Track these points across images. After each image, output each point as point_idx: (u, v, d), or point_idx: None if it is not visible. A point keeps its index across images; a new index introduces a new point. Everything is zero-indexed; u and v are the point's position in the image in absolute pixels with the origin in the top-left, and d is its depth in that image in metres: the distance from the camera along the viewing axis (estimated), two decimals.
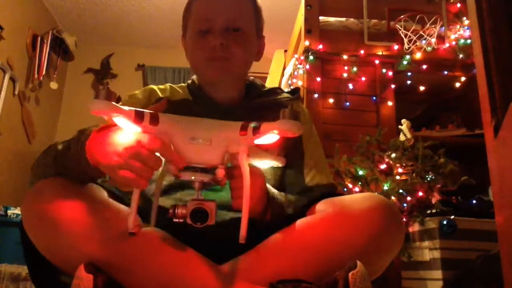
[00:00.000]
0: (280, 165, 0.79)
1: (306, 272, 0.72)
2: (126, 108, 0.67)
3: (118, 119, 0.68)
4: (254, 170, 0.74)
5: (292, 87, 2.85)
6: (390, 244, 0.76)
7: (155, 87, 1.02)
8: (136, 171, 0.67)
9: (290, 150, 0.91)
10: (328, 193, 0.90)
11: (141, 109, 0.70)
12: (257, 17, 0.99)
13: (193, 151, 0.69)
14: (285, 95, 1.04)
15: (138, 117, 0.68)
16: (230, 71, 0.93)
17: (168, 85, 1.04)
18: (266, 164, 0.80)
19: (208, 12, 0.93)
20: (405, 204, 1.94)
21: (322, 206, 0.81)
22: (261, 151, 0.74)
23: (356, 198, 0.79)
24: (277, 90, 1.07)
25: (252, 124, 0.69)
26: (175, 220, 0.70)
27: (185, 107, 0.94)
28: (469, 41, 2.54)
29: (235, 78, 0.96)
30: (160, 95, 1.00)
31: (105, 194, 0.79)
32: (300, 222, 0.78)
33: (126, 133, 0.70)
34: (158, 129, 0.69)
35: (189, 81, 1.05)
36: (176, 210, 0.70)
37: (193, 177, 0.70)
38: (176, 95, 1.01)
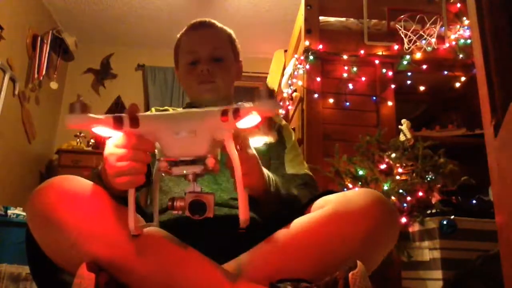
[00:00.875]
0: (272, 140, 0.89)
1: (305, 271, 0.72)
2: (102, 116, 0.68)
3: (98, 129, 0.68)
4: (244, 155, 0.75)
5: (292, 87, 2.86)
6: (386, 238, 0.78)
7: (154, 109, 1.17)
8: (126, 172, 0.68)
9: (274, 144, 1.07)
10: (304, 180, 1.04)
11: (119, 114, 0.70)
12: (233, 46, 1.21)
13: (180, 145, 0.69)
14: None
15: (118, 123, 0.68)
16: (217, 91, 1.12)
17: (165, 108, 1.17)
18: (259, 141, 0.83)
19: (194, 45, 1.14)
20: (405, 204, 1.94)
21: (320, 204, 0.82)
22: (250, 131, 0.74)
23: (353, 194, 0.81)
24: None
25: (231, 109, 0.69)
26: (174, 212, 0.70)
27: None
28: (469, 41, 2.54)
29: (221, 97, 1.13)
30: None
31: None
32: (298, 221, 0.79)
33: (108, 143, 0.71)
34: (141, 131, 0.69)
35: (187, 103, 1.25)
36: (174, 203, 0.69)
37: (184, 171, 0.70)
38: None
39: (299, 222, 0.79)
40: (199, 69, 1.11)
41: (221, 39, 1.18)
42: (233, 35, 1.23)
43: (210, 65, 1.12)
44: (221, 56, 1.15)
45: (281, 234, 0.78)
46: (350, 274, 0.64)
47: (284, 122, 1.21)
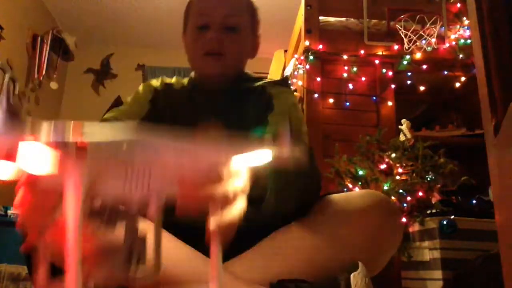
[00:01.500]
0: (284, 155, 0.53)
1: (306, 272, 0.72)
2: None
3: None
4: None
5: (292, 87, 2.86)
6: (389, 240, 0.77)
7: (164, 78, 1.10)
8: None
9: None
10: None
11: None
12: (252, 16, 1.05)
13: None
14: (269, 80, 1.09)
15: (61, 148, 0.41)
16: (224, 66, 0.98)
17: (174, 77, 1.11)
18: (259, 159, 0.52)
19: (206, 8, 0.99)
20: (405, 204, 1.94)
21: (321, 205, 0.82)
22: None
23: (354, 196, 0.80)
24: (262, 78, 1.11)
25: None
26: None
27: (184, 91, 1.05)
28: (469, 41, 2.54)
29: (228, 74, 1.00)
30: (168, 81, 1.08)
31: None
32: (299, 222, 0.78)
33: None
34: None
35: (190, 76, 1.11)
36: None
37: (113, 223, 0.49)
38: (179, 84, 1.08)
39: (300, 223, 0.78)
40: (208, 36, 0.96)
41: (239, 5, 1.02)
42: (254, 3, 1.07)
43: (221, 34, 0.96)
44: (236, 24, 0.98)
45: (282, 235, 0.78)
46: (351, 276, 0.64)
47: (279, 89, 1.01)
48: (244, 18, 1.01)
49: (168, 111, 1.01)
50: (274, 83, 1.06)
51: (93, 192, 0.46)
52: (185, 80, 1.09)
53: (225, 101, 1.00)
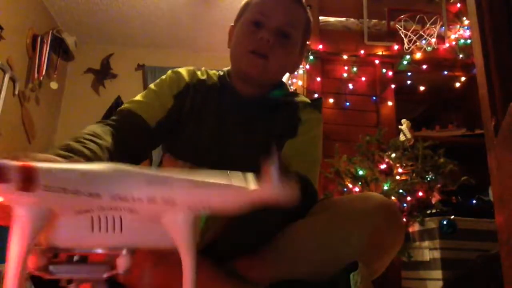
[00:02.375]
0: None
1: (307, 272, 0.72)
2: None
3: None
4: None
5: (292, 87, 2.86)
6: (390, 244, 0.76)
7: (196, 69, 1.03)
8: None
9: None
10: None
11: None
12: (306, 32, 1.02)
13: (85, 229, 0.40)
14: (303, 99, 1.02)
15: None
16: (266, 71, 0.93)
17: (204, 69, 1.05)
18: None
19: (268, 7, 0.95)
20: (405, 204, 1.94)
21: (322, 207, 0.81)
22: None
23: (356, 198, 0.79)
24: (297, 94, 1.07)
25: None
26: None
27: (214, 91, 0.98)
28: (469, 41, 2.54)
29: (267, 78, 0.96)
30: (200, 76, 1.01)
31: None
32: (300, 223, 0.78)
33: None
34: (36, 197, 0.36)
35: (221, 72, 1.05)
36: None
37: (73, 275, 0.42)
38: (210, 80, 1.02)
39: (300, 225, 0.77)
40: (259, 35, 0.91)
41: (298, 17, 0.98)
42: (312, 22, 1.05)
43: (274, 37, 0.92)
44: (290, 33, 0.95)
45: (282, 236, 0.77)
46: (351, 275, 0.64)
47: (309, 115, 0.96)
48: (299, 32, 0.98)
49: (193, 110, 0.95)
50: (308, 104, 0.99)
51: (45, 238, 0.38)
52: (215, 76, 1.03)
53: (253, 109, 0.96)
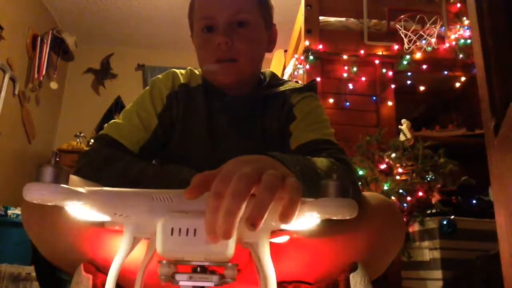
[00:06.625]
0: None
1: (307, 273, 0.72)
2: (83, 189, 0.47)
3: (74, 207, 0.47)
4: None
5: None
6: (391, 244, 0.75)
7: (177, 71, 0.97)
8: None
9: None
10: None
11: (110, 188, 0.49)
12: (264, 8, 0.92)
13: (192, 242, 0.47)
14: (291, 85, 0.97)
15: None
16: (241, 72, 0.87)
17: (188, 69, 0.99)
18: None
19: (209, 8, 0.87)
20: (405, 204, 1.94)
21: None
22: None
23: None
24: (288, 82, 1.01)
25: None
26: None
27: (199, 94, 0.93)
28: (469, 41, 2.54)
29: (246, 76, 0.91)
30: (182, 80, 0.95)
31: None
32: None
33: None
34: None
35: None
36: None
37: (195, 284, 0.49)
38: (195, 81, 0.97)
39: None
40: (216, 41, 0.84)
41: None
42: None
43: (229, 35, 0.84)
44: (246, 19, 0.86)
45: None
46: (351, 276, 0.64)
47: (301, 95, 0.93)
48: (254, 12, 0.89)
49: (180, 120, 0.91)
50: (295, 89, 0.95)
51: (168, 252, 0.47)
52: (201, 75, 0.97)
53: (242, 108, 0.92)
